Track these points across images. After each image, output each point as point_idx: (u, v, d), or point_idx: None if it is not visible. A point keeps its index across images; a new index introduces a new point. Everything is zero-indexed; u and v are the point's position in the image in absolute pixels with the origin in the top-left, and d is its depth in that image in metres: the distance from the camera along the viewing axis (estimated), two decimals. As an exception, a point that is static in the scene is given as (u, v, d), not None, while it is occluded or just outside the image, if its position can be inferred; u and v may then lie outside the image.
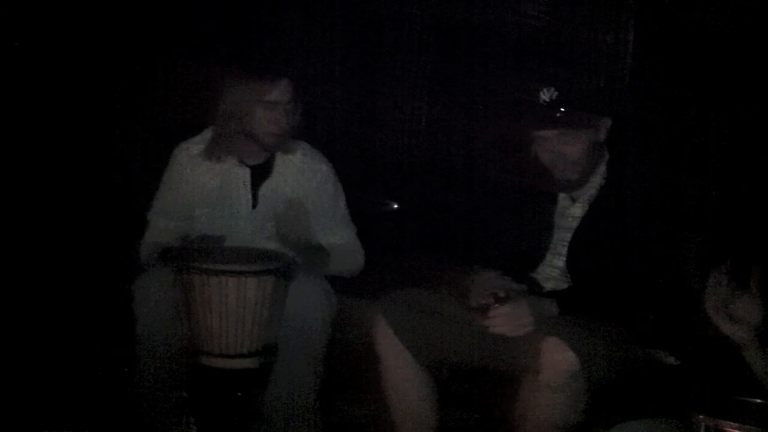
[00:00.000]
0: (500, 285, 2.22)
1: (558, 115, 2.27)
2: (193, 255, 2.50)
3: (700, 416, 1.54)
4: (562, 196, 2.44)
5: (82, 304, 3.18)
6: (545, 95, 2.28)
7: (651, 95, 2.91)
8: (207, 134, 2.74)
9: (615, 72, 3.01)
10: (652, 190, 2.32)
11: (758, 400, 1.63)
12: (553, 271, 2.39)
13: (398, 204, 3.68)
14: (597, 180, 2.38)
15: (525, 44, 3.22)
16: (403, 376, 2.32)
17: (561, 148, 2.29)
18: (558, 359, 2.01)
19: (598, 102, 2.33)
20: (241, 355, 2.46)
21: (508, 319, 2.16)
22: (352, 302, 2.58)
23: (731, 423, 1.51)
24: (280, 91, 2.60)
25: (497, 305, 2.17)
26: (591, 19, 3.09)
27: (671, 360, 2.24)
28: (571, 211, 2.41)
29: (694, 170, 2.77)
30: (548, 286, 2.37)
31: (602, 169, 2.38)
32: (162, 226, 2.73)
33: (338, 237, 2.77)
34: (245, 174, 2.71)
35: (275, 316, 2.48)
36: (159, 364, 2.52)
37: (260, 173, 2.71)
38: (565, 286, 2.34)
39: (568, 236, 2.38)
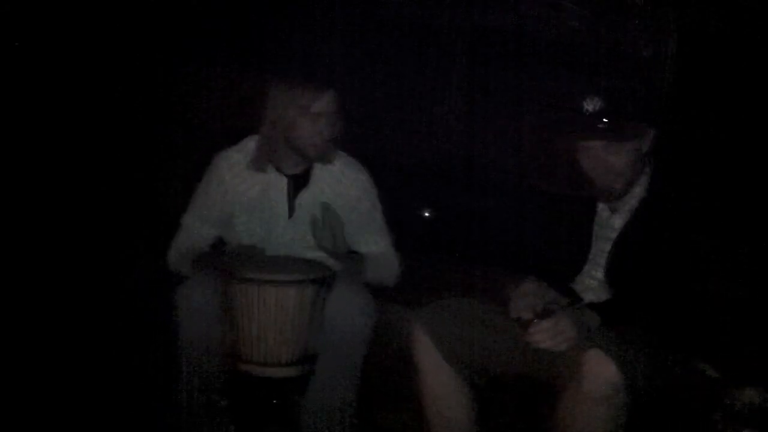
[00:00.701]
0: (543, 297, 2.21)
1: (602, 125, 2.26)
2: (234, 263, 2.53)
3: (744, 430, 1.52)
4: (601, 206, 2.42)
5: (121, 310, 3.23)
6: (589, 105, 2.27)
7: (694, 105, 2.88)
8: (247, 143, 2.76)
9: (658, 82, 2.99)
10: (696, 201, 2.29)
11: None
12: (592, 282, 2.37)
13: (437, 212, 3.69)
14: (638, 191, 2.36)
15: (570, 53, 3.21)
16: (441, 385, 2.31)
17: (605, 157, 2.28)
18: (599, 371, 1.99)
19: (642, 112, 2.30)
20: (280, 364, 2.47)
21: (550, 334, 2.13)
22: (390, 311, 2.59)
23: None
24: (325, 102, 2.62)
25: (537, 321, 2.15)
26: (635, 29, 3.08)
27: (713, 372, 2.22)
28: (611, 222, 2.39)
29: (739, 181, 2.74)
30: (587, 297, 2.35)
31: (644, 179, 2.36)
32: (195, 231, 2.75)
33: (375, 246, 2.77)
34: (283, 183, 2.73)
35: (314, 325, 2.49)
36: (199, 372, 2.54)
37: (298, 182, 2.73)
38: (605, 297, 2.32)
39: (608, 247, 2.37)
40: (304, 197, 2.72)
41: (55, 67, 3.49)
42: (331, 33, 3.56)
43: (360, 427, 2.61)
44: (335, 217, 2.72)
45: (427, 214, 3.83)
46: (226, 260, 2.58)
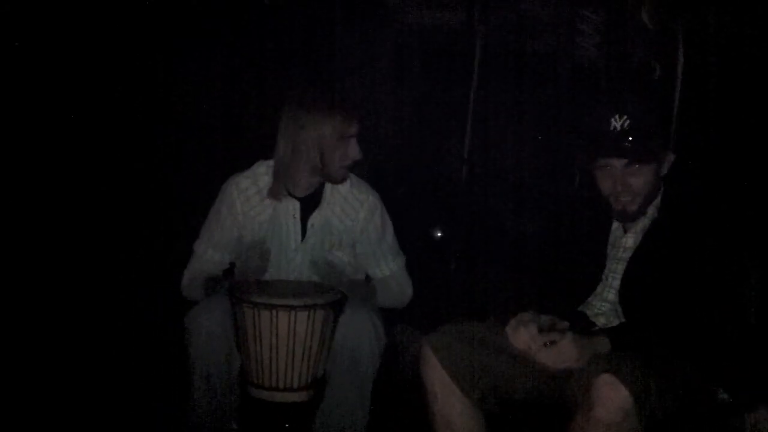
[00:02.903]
0: (539, 327, 2.20)
1: (627, 144, 2.26)
2: (245, 288, 2.53)
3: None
4: (614, 226, 2.42)
5: (132, 334, 3.24)
6: (617, 122, 2.27)
7: (706, 127, 2.89)
8: (258, 169, 2.77)
9: (671, 104, 3.00)
10: (708, 223, 2.28)
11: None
12: (604, 305, 2.36)
13: (451, 231, 3.69)
14: (651, 211, 2.36)
15: (591, 75, 3.23)
16: (451, 408, 2.30)
17: (624, 177, 2.28)
18: (611, 396, 1.97)
19: (664, 135, 2.30)
20: (291, 389, 2.47)
21: (556, 354, 2.14)
22: (400, 334, 2.58)
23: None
24: (357, 126, 2.65)
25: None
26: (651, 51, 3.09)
27: (725, 396, 2.20)
28: (624, 241, 2.38)
29: (751, 203, 2.73)
30: (599, 322, 2.34)
31: (657, 200, 2.36)
32: (208, 257, 2.76)
33: (386, 268, 2.78)
34: (295, 206, 2.73)
35: (325, 349, 2.50)
36: (211, 396, 2.54)
37: (309, 205, 2.74)
38: (616, 322, 2.32)
39: (621, 267, 2.36)
40: (316, 218, 2.73)
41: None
42: (353, 58, 3.59)
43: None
44: (347, 239, 2.73)
45: (439, 234, 3.83)
46: (237, 284, 2.58)
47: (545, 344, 2.15)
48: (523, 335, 2.18)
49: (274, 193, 2.72)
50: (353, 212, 2.75)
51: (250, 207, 2.74)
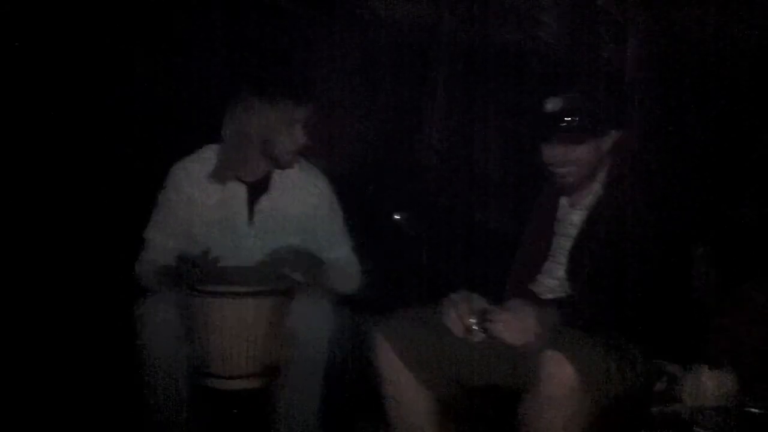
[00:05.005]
0: (472, 307, 2.19)
1: (562, 123, 2.26)
2: (192, 276, 2.50)
3: (696, 429, 1.51)
4: (562, 202, 2.42)
5: (87, 327, 3.19)
6: (549, 105, 2.28)
7: (652, 105, 2.90)
8: (205, 153, 2.74)
9: (618, 82, 3.01)
10: (653, 198, 2.28)
11: (754, 409, 1.60)
12: (552, 281, 2.36)
13: (407, 218, 3.68)
14: (597, 187, 2.35)
15: (533, 57, 3.23)
16: (403, 393, 2.29)
17: (563, 152, 2.29)
18: (556, 373, 1.97)
19: (602, 111, 2.31)
20: (242, 377, 2.44)
21: (507, 325, 2.12)
22: (352, 320, 2.56)
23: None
24: (306, 111, 2.63)
25: (473, 323, 2.14)
26: (597, 32, 3.09)
27: (677, 370, 2.21)
28: (570, 217, 2.39)
29: (696, 179, 2.75)
30: (547, 297, 2.34)
31: (602, 176, 2.35)
32: (160, 245, 2.72)
33: (336, 252, 2.75)
34: (242, 191, 2.71)
35: (275, 336, 2.46)
36: (161, 386, 2.50)
37: (257, 189, 2.71)
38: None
39: (568, 244, 2.36)
40: (264, 204, 2.70)
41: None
42: (309, 45, 3.57)
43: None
44: (296, 223, 2.71)
45: (397, 217, 3.82)
46: (184, 272, 2.55)
47: (477, 328, 2.13)
48: (454, 317, 2.17)
49: (220, 178, 2.69)
50: (303, 197, 2.72)
51: (198, 192, 2.70)
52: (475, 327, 2.14)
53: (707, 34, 2.79)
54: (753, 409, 1.61)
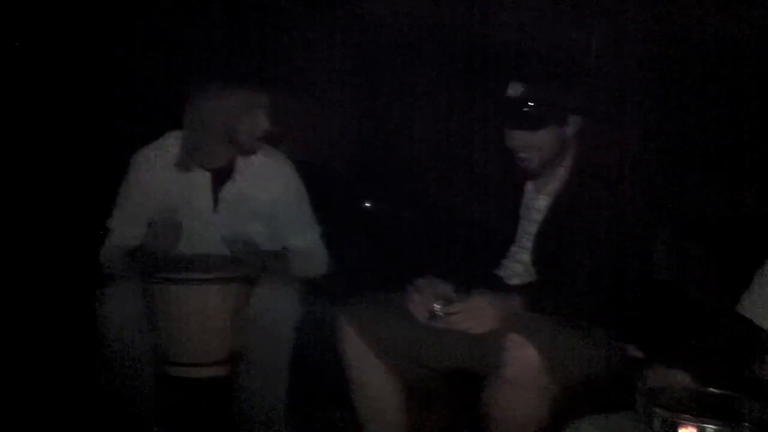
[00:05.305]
0: (436, 291, 2.20)
1: (526, 109, 2.26)
2: (155, 264, 2.47)
3: (656, 409, 1.52)
4: (528, 188, 2.42)
5: (51, 315, 3.15)
6: (511, 90, 2.27)
7: (621, 93, 2.92)
8: (166, 140, 2.71)
9: (585, 69, 3.01)
10: (615, 184, 2.29)
11: (713, 390, 1.61)
12: (518, 266, 2.36)
13: (375, 202, 3.68)
14: (562, 172, 2.36)
15: (496, 42, 3.23)
16: (369, 378, 2.29)
17: (524, 138, 2.28)
18: (520, 356, 1.97)
19: (566, 98, 2.31)
20: (205, 364, 2.43)
21: (470, 315, 2.12)
22: (316, 305, 2.55)
23: (686, 415, 1.48)
24: (264, 97, 2.61)
25: (438, 308, 2.14)
26: (561, 18, 3.10)
27: (638, 353, 2.22)
28: (536, 203, 2.39)
29: (662, 165, 2.77)
30: (513, 282, 2.34)
31: (569, 162, 2.36)
32: (123, 233, 2.69)
33: (301, 238, 2.73)
34: (206, 178, 2.68)
35: (239, 323, 2.44)
36: (124, 375, 2.47)
37: (221, 176, 2.68)
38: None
39: (533, 229, 2.36)
40: (228, 190, 2.68)
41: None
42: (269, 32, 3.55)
43: (292, 422, 2.57)
44: (260, 210, 2.68)
45: (368, 205, 3.81)
46: (147, 260, 2.52)
47: (441, 314, 2.13)
48: (418, 302, 2.17)
49: (184, 165, 2.66)
50: (266, 183, 2.70)
51: (161, 179, 2.67)
52: (439, 313, 2.14)
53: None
54: (712, 389, 1.61)
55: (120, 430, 2.49)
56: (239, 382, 2.49)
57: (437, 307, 2.15)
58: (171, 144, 2.69)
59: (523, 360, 1.97)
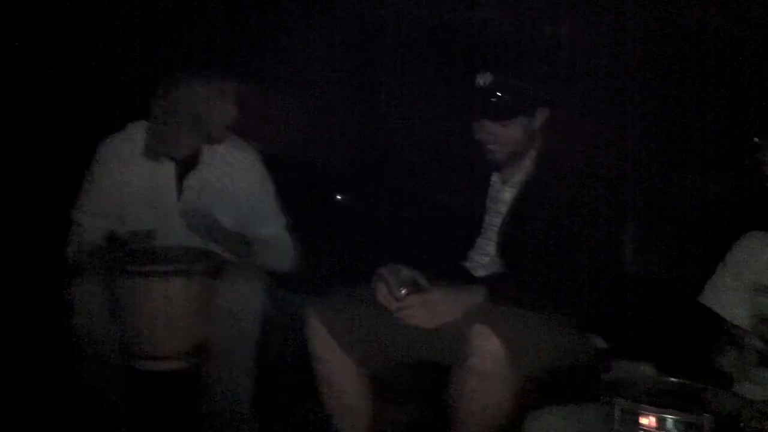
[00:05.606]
0: (400, 279, 2.19)
1: (493, 99, 2.25)
2: (119, 256, 2.44)
3: (617, 399, 1.52)
4: (494, 179, 2.42)
5: (15, 309, 3.11)
6: (480, 80, 2.26)
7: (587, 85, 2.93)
8: (132, 129, 2.68)
9: (554, 62, 3.02)
10: (582, 175, 2.29)
11: (674, 380, 1.62)
12: (484, 258, 2.36)
13: (346, 195, 3.67)
14: (528, 164, 2.36)
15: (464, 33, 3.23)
16: (337, 373, 2.28)
17: (490, 128, 2.28)
18: (484, 346, 1.97)
19: (530, 90, 2.31)
20: (172, 357, 2.40)
21: (420, 310, 2.13)
22: (285, 299, 2.54)
23: (647, 406, 1.49)
24: (231, 85, 2.58)
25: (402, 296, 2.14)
26: (531, 11, 3.10)
27: (602, 344, 2.23)
28: (502, 195, 2.39)
29: (625, 154, 2.78)
30: (479, 274, 2.34)
31: (533, 154, 2.36)
32: (89, 225, 2.66)
33: (267, 229, 2.71)
34: (171, 168, 2.65)
35: (204, 315, 2.42)
36: (93, 369, 2.45)
37: (186, 166, 2.66)
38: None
39: (499, 220, 2.36)
40: (194, 180, 2.66)
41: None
42: (238, 23, 3.52)
43: (260, 417, 2.55)
44: (226, 199, 2.66)
45: (339, 197, 3.80)
46: (111, 252, 2.49)
47: (406, 294, 2.13)
48: (384, 290, 2.16)
49: (150, 155, 2.63)
50: (233, 173, 2.68)
51: (126, 170, 2.64)
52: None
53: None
54: (672, 378, 1.62)
55: (89, 424, 2.47)
56: (206, 374, 2.47)
57: (403, 292, 2.15)
58: (137, 133, 2.66)
59: (487, 350, 1.97)
